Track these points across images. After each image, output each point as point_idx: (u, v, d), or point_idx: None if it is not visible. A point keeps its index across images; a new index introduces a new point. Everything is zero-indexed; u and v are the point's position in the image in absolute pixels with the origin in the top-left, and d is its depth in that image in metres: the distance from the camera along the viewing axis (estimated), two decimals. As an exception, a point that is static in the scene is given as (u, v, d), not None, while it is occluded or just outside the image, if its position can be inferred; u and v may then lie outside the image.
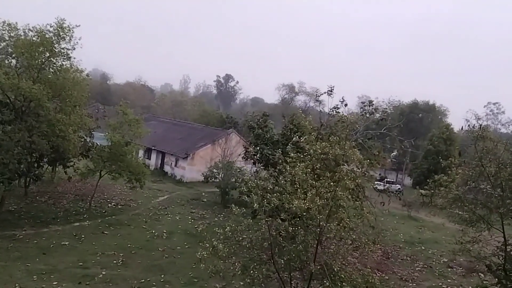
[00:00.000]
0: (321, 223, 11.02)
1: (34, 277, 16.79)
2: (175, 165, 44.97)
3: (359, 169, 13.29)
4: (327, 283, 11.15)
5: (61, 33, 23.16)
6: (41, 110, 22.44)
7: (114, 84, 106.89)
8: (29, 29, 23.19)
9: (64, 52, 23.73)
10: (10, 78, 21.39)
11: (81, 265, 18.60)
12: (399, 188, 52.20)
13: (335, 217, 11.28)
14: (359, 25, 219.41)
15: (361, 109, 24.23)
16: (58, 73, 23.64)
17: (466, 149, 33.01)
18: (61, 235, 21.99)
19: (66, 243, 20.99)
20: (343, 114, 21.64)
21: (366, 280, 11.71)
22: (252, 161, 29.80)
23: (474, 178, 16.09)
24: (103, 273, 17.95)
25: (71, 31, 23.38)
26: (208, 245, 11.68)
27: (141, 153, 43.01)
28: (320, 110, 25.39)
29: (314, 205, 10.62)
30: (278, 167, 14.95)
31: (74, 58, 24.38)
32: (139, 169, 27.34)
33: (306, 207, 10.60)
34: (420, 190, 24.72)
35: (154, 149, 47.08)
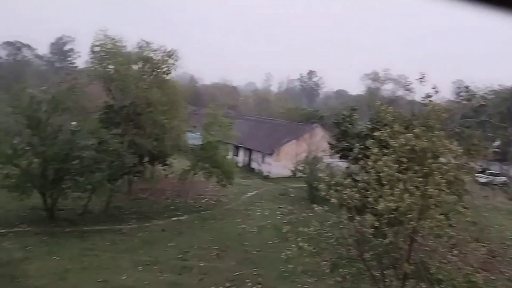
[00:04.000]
0: (411, 222, 10.44)
1: (139, 267, 18.42)
2: (262, 162, 45.86)
3: (456, 161, 12.30)
4: (424, 286, 10.54)
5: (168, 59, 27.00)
6: (154, 114, 25.72)
7: (202, 85, 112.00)
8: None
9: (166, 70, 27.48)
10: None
11: (180, 257, 19.97)
12: (505, 180, 47.31)
13: (428, 215, 10.58)
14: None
15: (457, 96, 22.56)
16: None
17: None
18: (161, 229, 23.79)
19: (167, 236, 22.68)
20: (436, 103, 20.30)
21: (467, 279, 10.88)
22: (338, 156, 29.32)
23: None
24: (200, 265, 19.09)
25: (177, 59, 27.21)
26: (294, 246, 11.73)
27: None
28: (411, 99, 24.08)
29: (403, 203, 10.08)
30: (359, 163, 14.44)
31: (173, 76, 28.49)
32: (229, 168, 28.56)
33: (394, 207, 10.12)
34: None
35: (241, 147, 48.51)
